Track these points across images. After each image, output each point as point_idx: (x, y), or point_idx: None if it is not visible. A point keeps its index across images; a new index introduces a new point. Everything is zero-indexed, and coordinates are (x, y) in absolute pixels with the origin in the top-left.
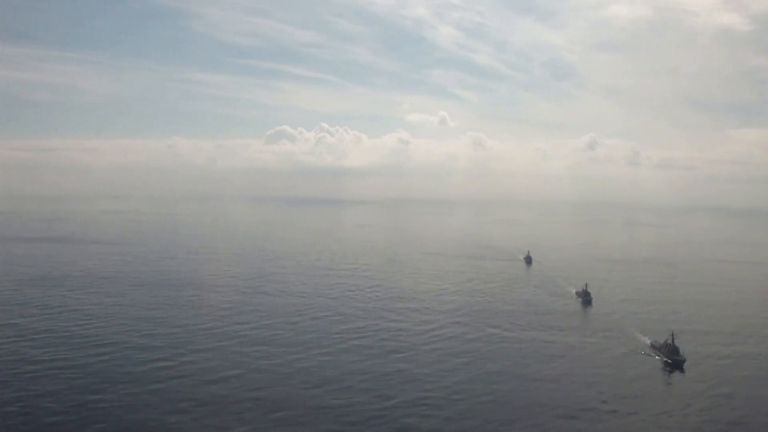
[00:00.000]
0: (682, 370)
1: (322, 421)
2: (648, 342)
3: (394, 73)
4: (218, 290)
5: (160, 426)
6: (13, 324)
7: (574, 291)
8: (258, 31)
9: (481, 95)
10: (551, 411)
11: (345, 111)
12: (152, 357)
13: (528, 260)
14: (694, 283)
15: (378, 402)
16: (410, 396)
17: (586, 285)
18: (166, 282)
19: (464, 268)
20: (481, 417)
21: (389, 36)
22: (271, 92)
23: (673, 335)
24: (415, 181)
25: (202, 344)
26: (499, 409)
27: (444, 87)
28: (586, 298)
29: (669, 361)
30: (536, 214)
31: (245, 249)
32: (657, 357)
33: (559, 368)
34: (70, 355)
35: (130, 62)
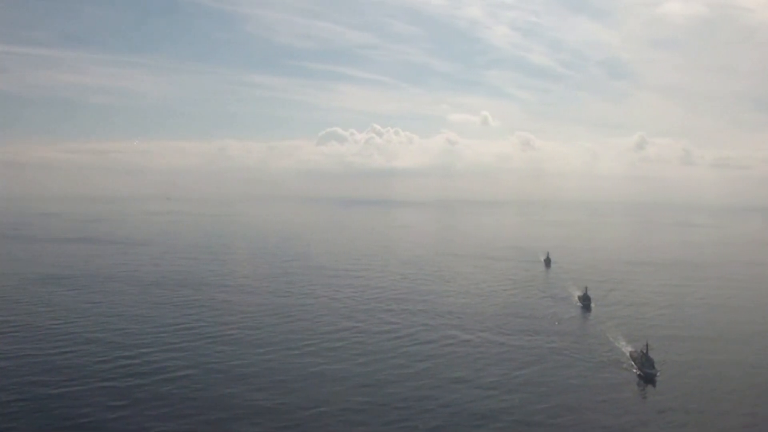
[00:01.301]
0: (653, 384)
1: (259, 421)
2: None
3: (449, 74)
4: (224, 290)
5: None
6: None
7: (576, 295)
8: (312, 33)
9: (536, 95)
10: (491, 422)
11: (398, 112)
12: (118, 354)
13: (547, 262)
14: (717, 287)
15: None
16: (343, 404)
17: (587, 289)
18: (170, 282)
19: (480, 270)
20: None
21: (443, 36)
22: (325, 93)
23: (647, 345)
24: (465, 182)
25: (175, 343)
26: (435, 418)
27: (499, 87)
28: (585, 302)
29: (640, 373)
30: (585, 215)
31: (282, 250)
32: (634, 369)
33: (526, 376)
34: (34, 350)
35: (186, 65)
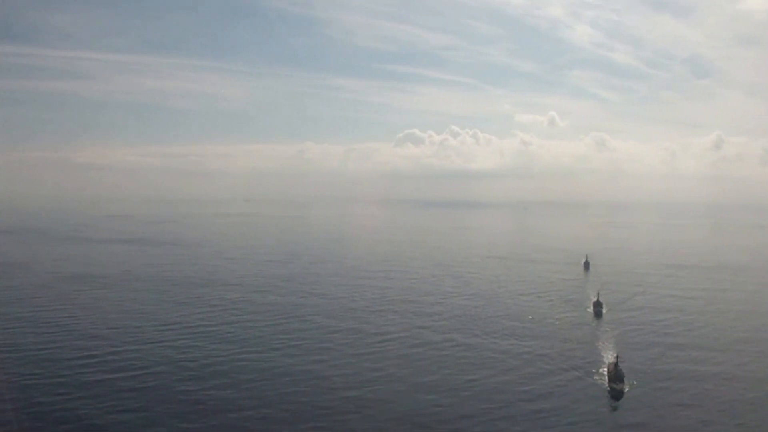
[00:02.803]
0: (616, 398)
1: (193, 419)
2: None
3: (532, 75)
4: (249, 290)
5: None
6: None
7: (592, 300)
8: (394, 35)
9: (621, 95)
10: (437, 426)
11: (478, 113)
12: (104, 350)
13: (586, 266)
14: (755, 293)
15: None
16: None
17: (599, 294)
18: (192, 281)
19: (512, 273)
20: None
21: (525, 37)
22: (405, 95)
23: (617, 358)
24: (542, 183)
25: (165, 340)
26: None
27: (583, 87)
28: (597, 308)
29: (607, 388)
30: (661, 216)
31: (330, 252)
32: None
33: (494, 381)
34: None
35: (267, 69)
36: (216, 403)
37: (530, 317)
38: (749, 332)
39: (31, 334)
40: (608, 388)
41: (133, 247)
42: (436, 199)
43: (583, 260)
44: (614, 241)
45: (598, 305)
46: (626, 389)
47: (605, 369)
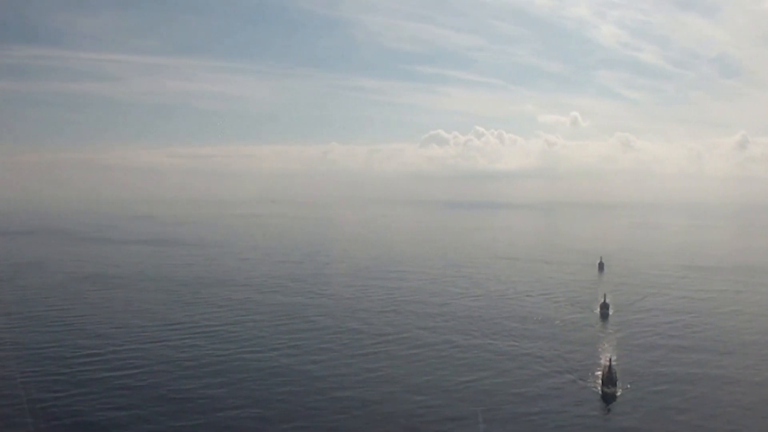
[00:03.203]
0: (607, 402)
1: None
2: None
3: (558, 75)
4: (256, 290)
5: None
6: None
7: (599, 302)
8: (419, 36)
9: (648, 95)
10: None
11: (503, 114)
12: (93, 350)
13: (600, 267)
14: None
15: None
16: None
17: (605, 296)
18: (198, 281)
19: (523, 274)
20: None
21: (551, 37)
22: (431, 96)
23: (611, 360)
24: (568, 184)
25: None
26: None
27: (609, 87)
28: (603, 310)
29: (599, 392)
30: (687, 218)
31: (345, 252)
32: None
33: (488, 383)
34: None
35: (292, 70)
36: (205, 402)
37: (537, 318)
38: (757, 335)
39: (36, 332)
40: (600, 392)
41: (149, 248)
42: (460, 200)
43: (598, 261)
44: (635, 242)
45: (604, 307)
46: (619, 393)
47: (600, 372)
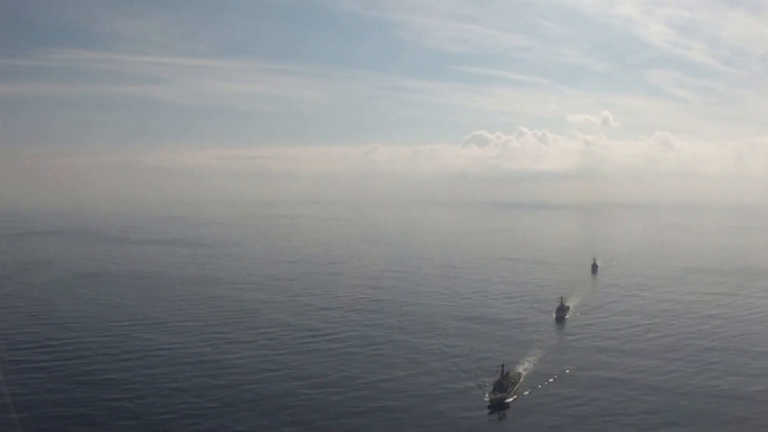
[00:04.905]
0: (493, 411)
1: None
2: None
3: (606, 74)
4: (251, 289)
5: None
6: None
7: (556, 306)
8: (465, 36)
9: (697, 94)
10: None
11: (548, 113)
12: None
13: (594, 268)
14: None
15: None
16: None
17: (562, 298)
18: (197, 280)
19: (511, 275)
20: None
21: (598, 36)
22: (476, 96)
23: (503, 367)
24: (611, 184)
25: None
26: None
27: (658, 86)
28: (560, 313)
29: (487, 399)
30: (726, 219)
31: (364, 253)
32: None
33: (394, 381)
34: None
35: (338, 72)
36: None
37: (490, 319)
38: (722, 341)
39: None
40: (488, 399)
41: (163, 248)
42: (502, 200)
43: (591, 263)
44: (646, 243)
45: (561, 310)
46: (510, 399)
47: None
